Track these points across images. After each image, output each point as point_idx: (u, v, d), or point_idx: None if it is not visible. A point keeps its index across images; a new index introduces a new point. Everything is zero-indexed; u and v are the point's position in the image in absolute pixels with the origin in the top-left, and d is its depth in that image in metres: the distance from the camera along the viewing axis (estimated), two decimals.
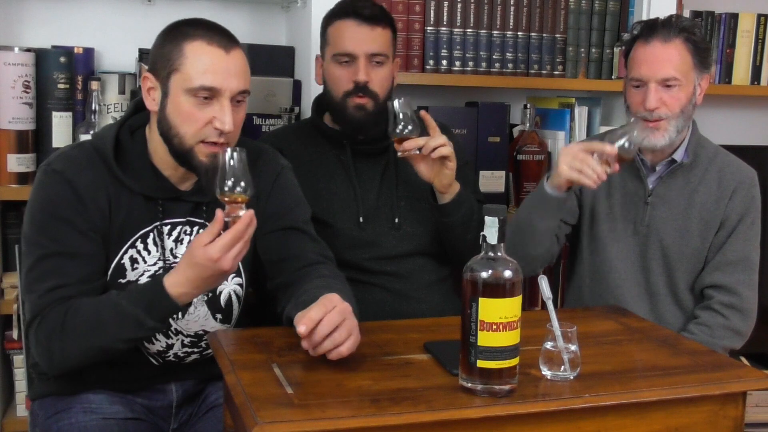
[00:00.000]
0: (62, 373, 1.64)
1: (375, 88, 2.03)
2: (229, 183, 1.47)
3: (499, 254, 1.34)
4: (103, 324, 1.54)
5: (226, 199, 1.48)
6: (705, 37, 2.09)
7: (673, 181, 2.07)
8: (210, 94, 1.60)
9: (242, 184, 1.48)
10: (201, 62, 1.59)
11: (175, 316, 1.69)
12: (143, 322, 1.53)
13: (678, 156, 2.06)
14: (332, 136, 2.11)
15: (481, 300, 1.32)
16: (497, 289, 1.32)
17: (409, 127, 1.91)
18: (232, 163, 1.47)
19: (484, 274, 1.32)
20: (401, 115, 1.90)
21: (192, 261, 1.48)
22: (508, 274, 1.33)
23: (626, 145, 1.84)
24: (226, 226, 1.47)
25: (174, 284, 1.52)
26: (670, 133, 2.00)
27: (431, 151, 1.92)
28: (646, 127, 1.99)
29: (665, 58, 1.98)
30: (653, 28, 2.01)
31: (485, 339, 1.32)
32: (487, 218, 1.34)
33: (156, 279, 1.55)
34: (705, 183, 2.06)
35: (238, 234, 1.46)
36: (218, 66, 1.60)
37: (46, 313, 1.58)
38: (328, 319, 1.41)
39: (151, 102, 1.65)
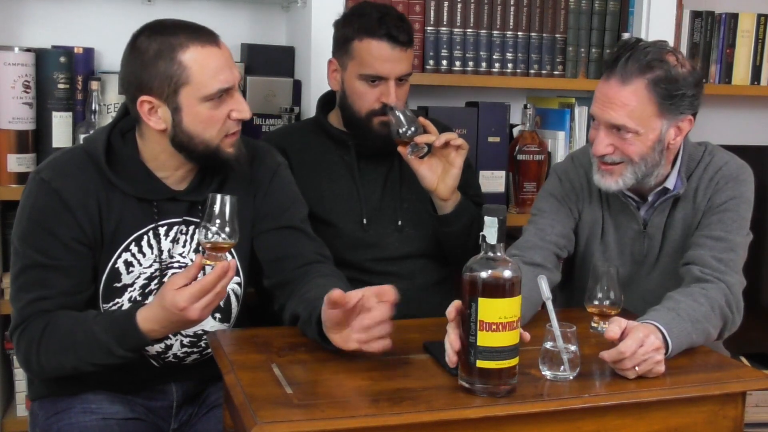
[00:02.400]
0: (42, 378, 1.70)
1: (400, 105, 2.02)
2: (213, 228, 1.45)
3: (499, 254, 1.34)
4: (75, 346, 1.57)
5: (208, 245, 1.46)
6: (683, 76, 1.75)
7: (669, 207, 1.90)
8: (223, 93, 1.61)
9: (227, 230, 1.45)
10: (207, 67, 1.60)
11: None
12: (113, 351, 1.55)
13: (670, 184, 1.87)
14: (336, 136, 2.10)
15: (480, 300, 1.32)
16: (497, 289, 1.32)
17: (413, 128, 1.92)
18: (220, 208, 1.45)
19: (483, 274, 1.32)
20: (404, 118, 1.92)
21: (162, 303, 1.48)
22: (507, 274, 1.33)
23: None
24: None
25: (145, 319, 1.52)
26: (626, 179, 1.79)
27: (443, 145, 1.92)
28: (599, 168, 1.81)
29: (618, 103, 1.73)
30: (616, 61, 1.74)
31: (485, 339, 1.33)
32: (486, 218, 1.34)
33: (130, 310, 1.56)
34: (701, 200, 1.87)
35: (208, 286, 1.45)
36: (220, 64, 1.61)
37: (27, 325, 1.61)
38: (384, 308, 1.45)
39: (158, 121, 1.63)
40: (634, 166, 1.79)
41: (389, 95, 2.00)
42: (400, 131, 1.93)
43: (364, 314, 1.44)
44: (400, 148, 1.96)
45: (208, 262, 1.46)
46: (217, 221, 1.45)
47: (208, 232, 1.45)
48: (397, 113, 1.93)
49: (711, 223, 1.83)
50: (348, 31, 2.02)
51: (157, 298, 1.51)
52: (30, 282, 1.62)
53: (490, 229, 1.33)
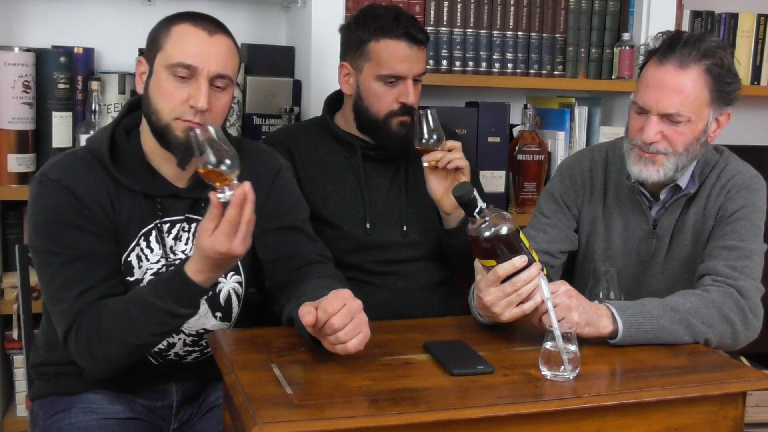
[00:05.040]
0: (112, 374, 1.64)
1: (415, 105, 2.02)
2: (212, 160, 1.42)
3: (492, 212, 1.51)
4: (136, 323, 1.55)
5: (214, 181, 1.43)
6: (733, 67, 1.79)
7: (679, 210, 1.90)
8: (188, 73, 1.61)
9: (227, 162, 1.43)
10: (182, 41, 1.62)
11: None
12: (176, 313, 1.54)
13: (683, 182, 1.87)
14: (343, 138, 2.09)
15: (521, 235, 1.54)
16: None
17: (434, 137, 1.92)
18: (209, 141, 1.43)
19: (506, 227, 1.51)
20: (428, 126, 1.91)
21: (203, 253, 1.49)
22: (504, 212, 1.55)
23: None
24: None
25: (196, 272, 1.52)
26: (666, 169, 1.79)
27: (447, 163, 1.92)
28: (641, 157, 1.80)
29: (675, 89, 1.73)
30: (673, 47, 1.75)
31: (535, 255, 1.57)
32: (475, 195, 1.52)
33: (177, 270, 1.54)
34: (711, 206, 1.87)
35: (233, 218, 1.43)
36: (198, 46, 1.62)
37: (81, 320, 1.58)
38: (340, 314, 1.41)
39: (141, 85, 1.68)
40: (677, 156, 1.78)
41: (408, 95, 1.99)
42: (423, 140, 1.92)
43: (327, 325, 1.43)
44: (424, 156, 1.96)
45: (220, 197, 1.43)
46: (212, 153, 1.43)
47: (208, 165, 1.43)
48: (424, 120, 1.91)
49: (724, 233, 1.82)
50: (362, 33, 2.00)
51: (196, 250, 1.51)
52: (70, 278, 1.59)
53: (479, 200, 1.53)
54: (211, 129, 1.45)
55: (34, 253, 1.65)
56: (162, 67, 1.62)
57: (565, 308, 1.54)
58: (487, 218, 1.52)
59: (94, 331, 1.56)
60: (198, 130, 1.45)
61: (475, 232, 1.52)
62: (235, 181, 1.44)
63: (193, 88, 1.61)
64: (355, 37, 2.02)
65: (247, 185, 1.43)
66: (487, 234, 1.51)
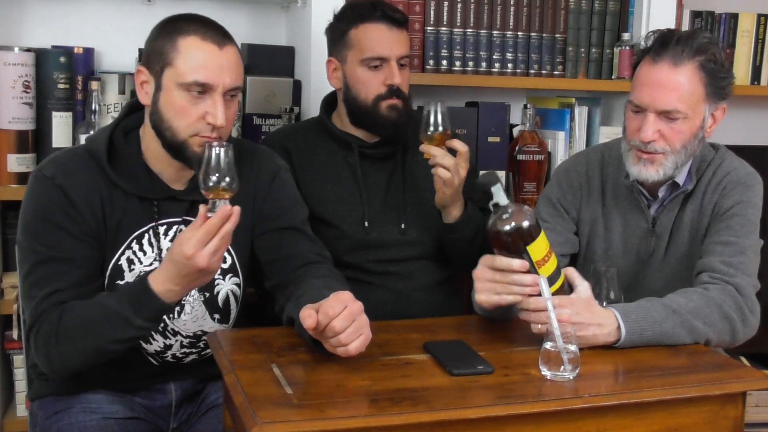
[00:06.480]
0: (65, 377, 1.64)
1: (404, 89, 2.03)
2: (213, 178, 1.44)
3: (514, 207, 1.51)
4: (93, 326, 1.54)
5: (210, 195, 1.45)
6: (725, 62, 1.81)
7: (677, 207, 1.90)
8: (203, 90, 1.61)
9: (227, 179, 1.45)
10: (194, 58, 1.60)
11: (171, 315, 1.70)
12: (131, 321, 1.51)
13: (680, 179, 1.87)
14: (340, 137, 2.10)
15: (529, 247, 1.51)
16: (536, 230, 1.53)
17: (441, 129, 1.88)
18: (216, 158, 1.45)
19: (526, 223, 1.51)
20: (433, 119, 1.87)
21: (171, 257, 1.47)
22: (531, 214, 1.52)
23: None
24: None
25: (158, 281, 1.50)
26: (666, 168, 1.80)
27: (434, 166, 1.90)
28: (640, 157, 1.81)
29: (670, 86, 1.75)
30: (665, 45, 1.77)
31: (545, 270, 1.54)
32: (492, 189, 1.51)
33: (142, 277, 1.54)
34: (707, 203, 1.88)
35: (211, 228, 1.43)
36: (211, 62, 1.61)
37: (43, 320, 1.58)
38: (341, 317, 1.40)
39: (144, 95, 1.66)
40: (675, 155, 1.80)
41: (393, 76, 2.00)
42: (428, 132, 1.87)
43: (328, 328, 1.42)
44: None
45: (212, 210, 1.45)
46: (216, 172, 1.44)
47: (209, 182, 1.44)
48: (429, 114, 1.86)
49: (720, 229, 1.82)
50: (343, 24, 2.04)
51: (167, 255, 1.50)
52: (42, 278, 1.60)
53: (500, 193, 1.52)
54: (221, 150, 1.45)
55: (18, 247, 1.65)
56: (174, 85, 1.61)
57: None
58: (510, 210, 1.53)
59: (53, 330, 1.56)
60: (222, 150, 1.44)
61: (491, 220, 1.55)
62: (228, 200, 1.45)
63: (208, 105, 1.61)
64: (337, 30, 2.06)
65: (237, 209, 1.45)
66: (503, 227, 1.53)
